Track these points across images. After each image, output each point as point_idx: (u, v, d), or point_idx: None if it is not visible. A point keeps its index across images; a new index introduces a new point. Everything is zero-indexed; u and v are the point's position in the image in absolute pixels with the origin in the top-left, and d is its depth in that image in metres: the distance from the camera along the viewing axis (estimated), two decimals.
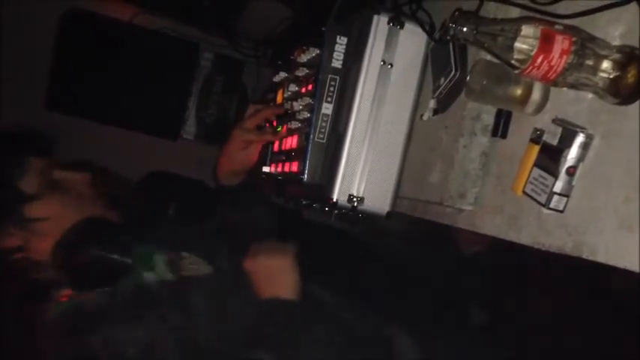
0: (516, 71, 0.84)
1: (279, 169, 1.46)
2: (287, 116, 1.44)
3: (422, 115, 1.23)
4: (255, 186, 1.58)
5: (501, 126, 1.06)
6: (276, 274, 1.31)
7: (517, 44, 0.82)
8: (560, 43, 0.81)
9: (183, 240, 1.37)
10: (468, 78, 1.03)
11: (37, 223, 1.17)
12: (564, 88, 0.88)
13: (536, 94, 0.96)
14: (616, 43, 0.85)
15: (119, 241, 1.21)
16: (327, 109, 1.29)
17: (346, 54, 1.28)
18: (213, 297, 1.25)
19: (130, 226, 1.28)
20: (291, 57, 1.48)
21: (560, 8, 0.92)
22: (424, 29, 1.21)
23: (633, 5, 0.81)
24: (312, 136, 1.29)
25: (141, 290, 1.21)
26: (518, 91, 0.96)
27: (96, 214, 1.22)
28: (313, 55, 1.37)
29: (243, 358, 1.17)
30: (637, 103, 0.81)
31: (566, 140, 0.88)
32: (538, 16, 0.92)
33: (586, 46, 0.81)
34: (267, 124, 1.54)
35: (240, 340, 1.19)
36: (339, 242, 1.50)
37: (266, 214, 1.64)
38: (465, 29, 0.86)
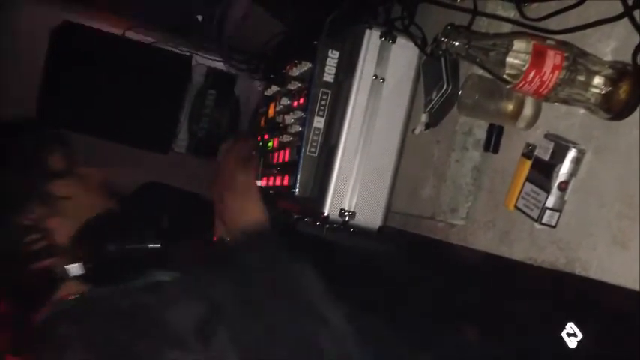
0: (508, 86, 0.84)
1: (271, 182, 1.45)
2: (278, 129, 1.43)
3: (414, 130, 1.22)
4: None
5: (493, 141, 1.06)
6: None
7: (509, 59, 0.82)
8: (552, 59, 0.81)
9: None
10: (460, 93, 1.03)
11: (58, 202, 1.14)
12: (556, 104, 0.88)
13: (528, 110, 0.96)
14: (608, 58, 0.85)
15: (137, 237, 1.19)
16: (319, 122, 1.28)
17: (338, 68, 1.28)
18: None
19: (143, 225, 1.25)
20: (284, 71, 1.48)
21: (551, 24, 0.92)
22: (416, 44, 1.21)
23: (624, 21, 0.81)
24: (303, 149, 1.28)
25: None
26: (510, 106, 0.96)
27: (115, 208, 1.21)
28: (305, 68, 1.37)
29: None
30: (629, 118, 0.81)
31: (558, 155, 0.88)
32: (530, 31, 0.93)
33: (578, 61, 0.81)
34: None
35: None
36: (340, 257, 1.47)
37: None
38: (457, 44, 0.86)
